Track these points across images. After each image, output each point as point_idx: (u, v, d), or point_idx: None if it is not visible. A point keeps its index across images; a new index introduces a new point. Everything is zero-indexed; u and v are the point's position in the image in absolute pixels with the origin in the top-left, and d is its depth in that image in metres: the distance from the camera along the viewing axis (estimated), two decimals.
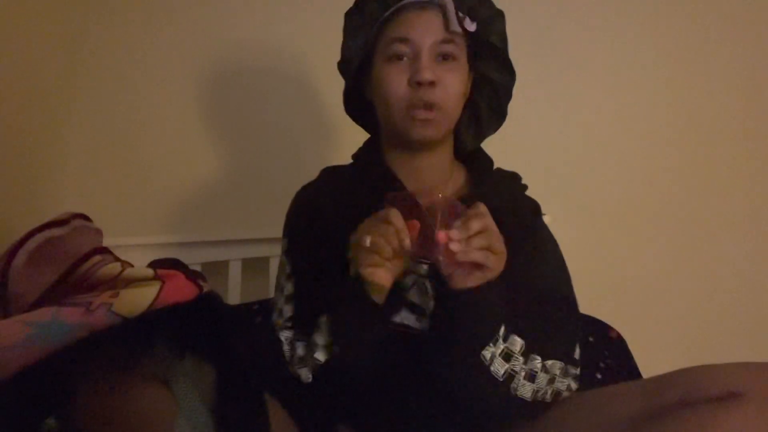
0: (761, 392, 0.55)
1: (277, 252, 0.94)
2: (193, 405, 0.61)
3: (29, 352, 0.49)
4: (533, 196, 0.91)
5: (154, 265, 0.72)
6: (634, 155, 1.60)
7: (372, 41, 0.85)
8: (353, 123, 0.97)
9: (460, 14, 0.80)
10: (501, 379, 0.71)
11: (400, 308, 0.77)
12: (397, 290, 0.75)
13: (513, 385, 0.71)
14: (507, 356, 0.71)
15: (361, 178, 0.89)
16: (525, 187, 0.92)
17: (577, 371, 0.78)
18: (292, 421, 0.77)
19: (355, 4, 0.88)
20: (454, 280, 0.70)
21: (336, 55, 0.91)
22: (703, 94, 1.62)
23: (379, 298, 0.71)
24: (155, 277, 0.58)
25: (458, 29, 0.79)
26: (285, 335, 0.81)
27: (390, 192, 0.75)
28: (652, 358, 1.11)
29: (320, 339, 0.74)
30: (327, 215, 0.85)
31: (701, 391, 0.58)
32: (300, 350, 0.78)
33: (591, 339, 1.22)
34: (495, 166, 0.92)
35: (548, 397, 0.75)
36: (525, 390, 0.72)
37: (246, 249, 1.32)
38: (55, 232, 0.62)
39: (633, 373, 1.15)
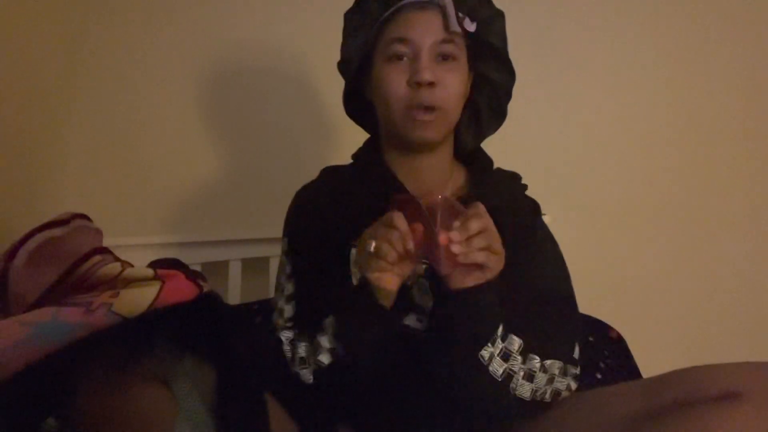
0: (760, 392, 0.55)
1: (277, 252, 0.94)
2: (193, 405, 0.61)
3: (29, 352, 0.49)
4: (533, 196, 0.91)
5: (154, 265, 0.72)
6: (634, 155, 1.60)
7: (372, 41, 0.85)
8: (353, 123, 0.97)
9: (460, 14, 0.80)
10: (500, 379, 0.71)
11: (408, 311, 0.77)
12: (405, 293, 0.75)
13: (512, 384, 0.71)
14: (505, 356, 0.71)
15: (361, 178, 0.89)
16: (525, 187, 0.92)
17: (577, 371, 0.78)
18: (292, 421, 0.77)
19: (355, 4, 0.88)
20: (452, 280, 0.70)
21: (336, 55, 0.91)
22: (703, 94, 1.62)
23: (386, 302, 0.71)
24: (155, 277, 0.58)
25: (458, 29, 0.79)
26: (286, 335, 0.81)
27: (395, 195, 0.75)
28: (652, 358, 1.11)
29: (325, 341, 0.74)
30: (327, 215, 0.85)
31: (701, 391, 0.58)
32: (302, 351, 0.78)
33: (591, 339, 1.22)
34: (495, 166, 0.92)
35: (547, 396, 0.75)
36: (524, 390, 0.72)
37: (246, 249, 1.32)
38: (56, 232, 0.62)
39: (633, 373, 1.15)
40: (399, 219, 0.69)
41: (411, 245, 0.68)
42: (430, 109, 0.79)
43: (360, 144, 0.94)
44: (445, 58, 0.80)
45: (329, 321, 0.75)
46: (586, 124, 1.60)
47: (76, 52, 1.38)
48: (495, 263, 0.69)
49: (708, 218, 1.61)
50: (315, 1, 1.47)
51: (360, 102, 0.91)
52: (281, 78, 1.48)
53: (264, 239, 1.31)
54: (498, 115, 0.90)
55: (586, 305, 0.93)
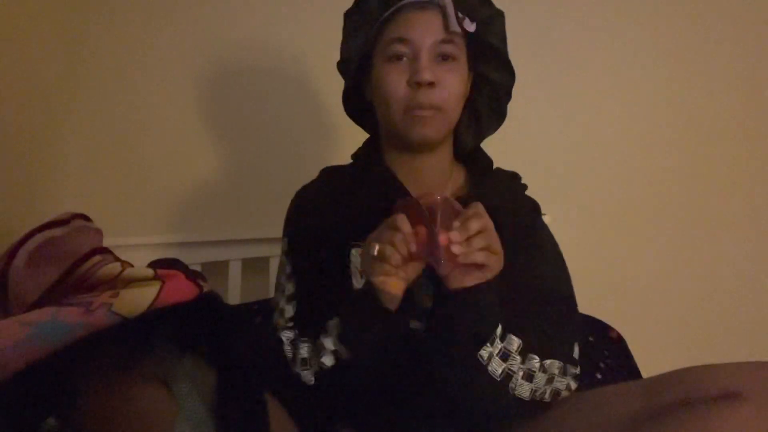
0: (760, 392, 0.55)
1: (277, 252, 0.94)
2: (193, 405, 0.61)
3: (29, 352, 0.49)
4: (533, 196, 0.91)
5: (154, 265, 0.71)
6: (634, 155, 1.60)
7: (372, 41, 0.85)
8: (353, 123, 0.97)
9: (460, 14, 0.80)
10: (499, 379, 0.71)
11: (414, 314, 0.77)
12: (411, 296, 0.75)
13: (511, 384, 0.71)
14: (504, 356, 0.71)
15: (360, 178, 0.89)
16: (525, 186, 0.92)
17: (577, 370, 0.78)
18: (292, 421, 0.77)
19: (355, 4, 0.88)
20: (451, 280, 0.70)
21: (336, 55, 0.91)
22: (703, 94, 1.62)
23: (391, 305, 0.71)
24: (155, 277, 0.58)
25: (458, 29, 0.79)
26: (286, 335, 0.81)
27: (398, 201, 0.75)
28: (652, 358, 1.11)
29: (329, 343, 0.74)
30: (327, 215, 0.85)
31: (701, 391, 0.58)
32: (303, 352, 0.78)
33: (591, 339, 1.22)
34: (495, 166, 0.92)
35: (547, 396, 0.75)
36: (523, 389, 0.72)
37: (246, 249, 1.32)
38: (55, 232, 0.62)
39: (633, 373, 1.15)
40: (402, 221, 0.69)
41: (414, 247, 0.68)
42: (429, 107, 0.79)
43: (360, 144, 0.94)
44: (444, 58, 0.80)
45: (333, 323, 0.75)
46: (586, 124, 1.60)
47: (76, 52, 1.38)
48: (494, 263, 0.69)
49: (708, 218, 1.61)
50: (315, 1, 1.47)
51: (360, 102, 0.91)
52: (281, 78, 1.48)
53: (264, 239, 1.31)
54: (498, 115, 0.90)
55: (586, 305, 0.93)
